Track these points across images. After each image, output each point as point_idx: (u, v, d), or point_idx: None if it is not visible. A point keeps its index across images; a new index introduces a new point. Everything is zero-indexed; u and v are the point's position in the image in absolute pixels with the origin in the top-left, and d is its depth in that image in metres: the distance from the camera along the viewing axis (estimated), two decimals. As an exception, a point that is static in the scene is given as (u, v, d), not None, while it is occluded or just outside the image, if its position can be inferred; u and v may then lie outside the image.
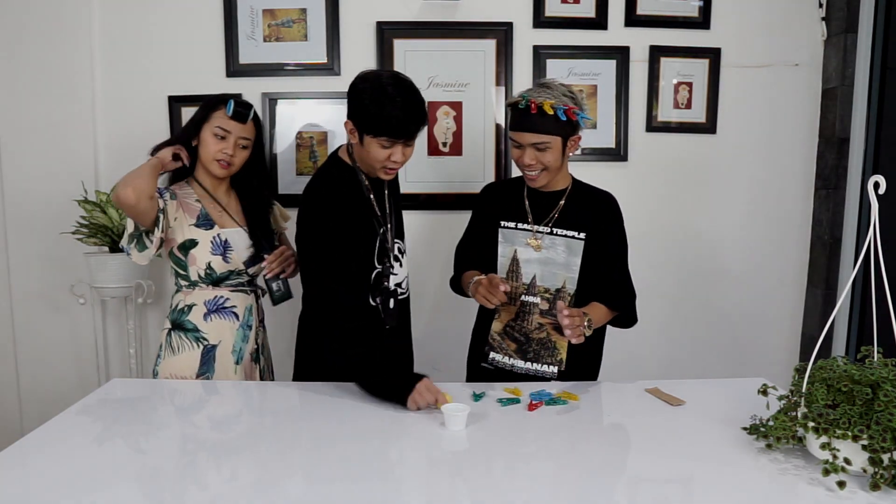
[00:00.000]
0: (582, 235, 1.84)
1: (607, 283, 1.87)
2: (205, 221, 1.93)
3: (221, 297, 1.95)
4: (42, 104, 2.65)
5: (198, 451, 1.44)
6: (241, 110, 1.91)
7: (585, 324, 1.70)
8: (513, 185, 1.97)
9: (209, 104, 1.94)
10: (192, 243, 1.90)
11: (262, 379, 2.07)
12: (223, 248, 1.94)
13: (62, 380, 2.75)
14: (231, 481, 1.29)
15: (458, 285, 2.03)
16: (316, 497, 1.23)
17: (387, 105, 1.64)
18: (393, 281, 1.88)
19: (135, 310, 2.65)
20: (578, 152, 1.94)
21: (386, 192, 1.91)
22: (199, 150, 1.94)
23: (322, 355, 1.77)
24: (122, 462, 1.35)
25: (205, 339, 1.92)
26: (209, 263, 1.91)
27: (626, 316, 1.90)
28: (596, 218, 1.86)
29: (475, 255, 1.97)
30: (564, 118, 1.73)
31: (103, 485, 1.23)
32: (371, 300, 1.84)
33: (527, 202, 1.89)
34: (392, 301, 1.86)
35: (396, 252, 1.92)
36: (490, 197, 2.01)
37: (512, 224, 1.89)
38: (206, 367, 1.91)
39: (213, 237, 1.92)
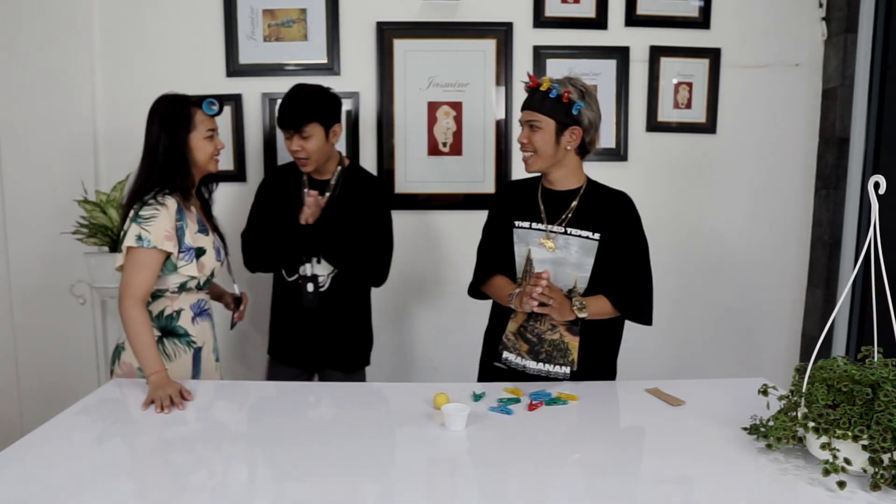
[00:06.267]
0: (596, 236, 1.82)
1: (622, 282, 1.84)
2: (203, 227, 1.87)
3: (203, 300, 1.92)
4: (42, 104, 2.65)
5: (197, 450, 1.44)
6: (216, 104, 1.84)
7: (577, 305, 1.74)
8: (528, 185, 1.95)
9: (182, 116, 1.80)
10: (202, 251, 1.84)
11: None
12: (223, 255, 1.92)
13: (62, 380, 2.75)
14: (230, 481, 1.29)
15: (478, 290, 1.98)
16: (315, 496, 1.23)
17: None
18: (311, 270, 2.17)
19: (135, 310, 2.65)
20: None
21: (328, 193, 2.18)
22: (190, 156, 1.81)
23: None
24: (121, 462, 1.35)
25: (194, 342, 1.89)
26: (213, 270, 1.89)
27: (636, 318, 1.87)
28: (610, 218, 1.84)
29: (496, 254, 1.94)
30: (555, 96, 1.76)
31: (103, 485, 1.23)
32: (286, 276, 2.21)
33: (540, 202, 1.88)
34: (311, 285, 2.16)
35: None
36: (505, 196, 2.00)
37: (526, 224, 1.87)
38: (196, 369, 1.91)
39: (212, 242, 1.88)
